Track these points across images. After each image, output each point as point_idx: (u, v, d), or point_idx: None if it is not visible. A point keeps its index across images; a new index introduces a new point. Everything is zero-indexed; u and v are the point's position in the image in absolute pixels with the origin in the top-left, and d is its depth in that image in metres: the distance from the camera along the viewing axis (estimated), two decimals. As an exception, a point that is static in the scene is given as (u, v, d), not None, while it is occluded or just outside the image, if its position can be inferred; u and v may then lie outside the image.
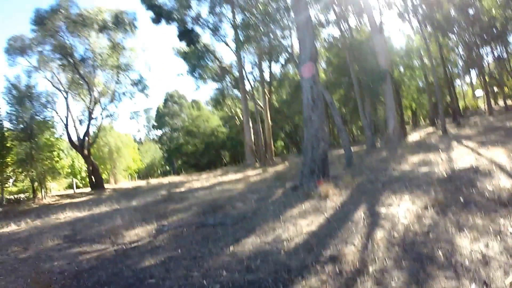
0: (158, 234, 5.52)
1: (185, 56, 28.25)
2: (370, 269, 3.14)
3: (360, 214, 4.91)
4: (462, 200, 4.78)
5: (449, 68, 29.86)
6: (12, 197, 19.16)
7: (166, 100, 56.28)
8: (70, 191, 24.19)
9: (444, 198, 4.92)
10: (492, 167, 6.56)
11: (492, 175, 5.92)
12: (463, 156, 8.68)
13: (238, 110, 34.84)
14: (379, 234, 3.99)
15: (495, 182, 5.45)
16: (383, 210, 4.98)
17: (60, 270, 4.46)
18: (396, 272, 3.01)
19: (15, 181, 19.80)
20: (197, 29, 24.03)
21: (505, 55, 29.02)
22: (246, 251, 4.13)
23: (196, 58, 26.76)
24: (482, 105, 34.48)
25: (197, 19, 23.40)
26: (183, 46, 28.09)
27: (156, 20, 23.30)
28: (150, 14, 23.33)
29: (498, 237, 3.42)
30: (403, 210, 4.82)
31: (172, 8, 22.61)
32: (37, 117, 19.42)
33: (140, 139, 72.35)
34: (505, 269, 2.81)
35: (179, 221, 6.48)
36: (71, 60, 22.58)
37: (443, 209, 4.52)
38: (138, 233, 5.92)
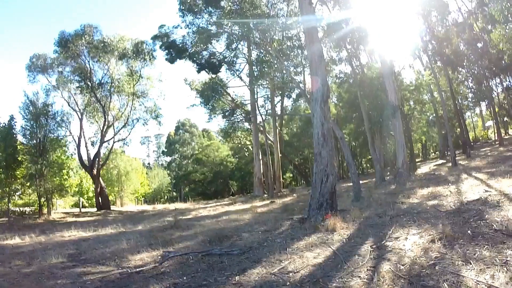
0: (163, 260, 5.48)
1: (198, 90, 28.29)
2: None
3: (367, 248, 4.87)
4: (469, 232, 4.74)
5: (459, 100, 29.94)
6: (17, 209, 19.19)
7: (177, 128, 57.25)
8: (76, 210, 24.27)
9: (451, 231, 4.86)
10: (501, 198, 6.51)
11: (501, 206, 5.87)
12: (472, 188, 8.60)
13: (248, 142, 35.03)
14: (385, 267, 3.96)
15: (503, 213, 5.40)
16: (390, 243, 4.93)
17: (64, 289, 4.44)
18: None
19: (22, 194, 19.87)
20: (213, 63, 24.20)
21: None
22: (252, 281, 4.10)
23: (210, 90, 26.60)
24: (492, 135, 34.19)
25: (213, 54, 23.85)
26: (196, 77, 28.69)
27: (171, 61, 23.21)
28: (165, 52, 23.17)
29: (505, 268, 3.41)
30: (410, 243, 4.79)
31: (189, 45, 22.44)
32: (50, 135, 19.70)
33: (149, 163, 73.10)
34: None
35: (185, 248, 6.43)
36: (89, 83, 23.45)
37: (451, 242, 4.48)
38: (144, 258, 5.88)
